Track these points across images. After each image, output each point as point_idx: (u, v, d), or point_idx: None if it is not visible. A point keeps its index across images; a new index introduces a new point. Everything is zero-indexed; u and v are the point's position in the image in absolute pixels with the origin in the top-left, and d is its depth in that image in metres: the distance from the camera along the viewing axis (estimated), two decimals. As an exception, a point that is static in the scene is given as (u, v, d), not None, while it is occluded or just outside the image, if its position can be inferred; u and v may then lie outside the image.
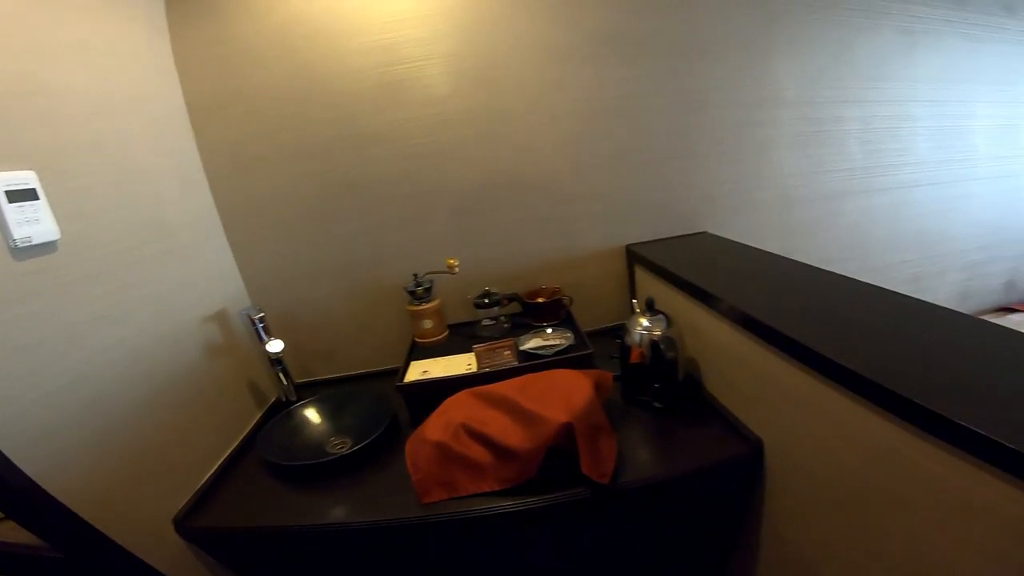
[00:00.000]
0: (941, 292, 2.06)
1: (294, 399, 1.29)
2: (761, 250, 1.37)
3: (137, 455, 0.90)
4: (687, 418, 1.06)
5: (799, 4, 1.59)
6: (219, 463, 1.09)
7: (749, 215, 1.64)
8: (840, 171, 1.73)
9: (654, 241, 1.54)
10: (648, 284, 1.38)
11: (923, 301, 0.85)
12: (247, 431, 1.22)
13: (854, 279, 1.01)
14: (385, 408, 1.14)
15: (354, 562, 0.97)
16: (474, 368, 1.16)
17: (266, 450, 1.06)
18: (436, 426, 0.96)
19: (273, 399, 1.37)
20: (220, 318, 1.22)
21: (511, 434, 0.90)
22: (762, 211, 1.65)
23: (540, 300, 1.42)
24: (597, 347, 1.20)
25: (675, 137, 1.51)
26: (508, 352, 1.18)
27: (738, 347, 0.97)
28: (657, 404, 1.08)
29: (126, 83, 1.06)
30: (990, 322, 0.76)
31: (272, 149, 1.33)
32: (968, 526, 0.56)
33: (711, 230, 1.60)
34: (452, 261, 1.36)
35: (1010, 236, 2.13)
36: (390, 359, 1.46)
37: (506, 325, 1.42)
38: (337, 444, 1.10)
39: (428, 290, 1.39)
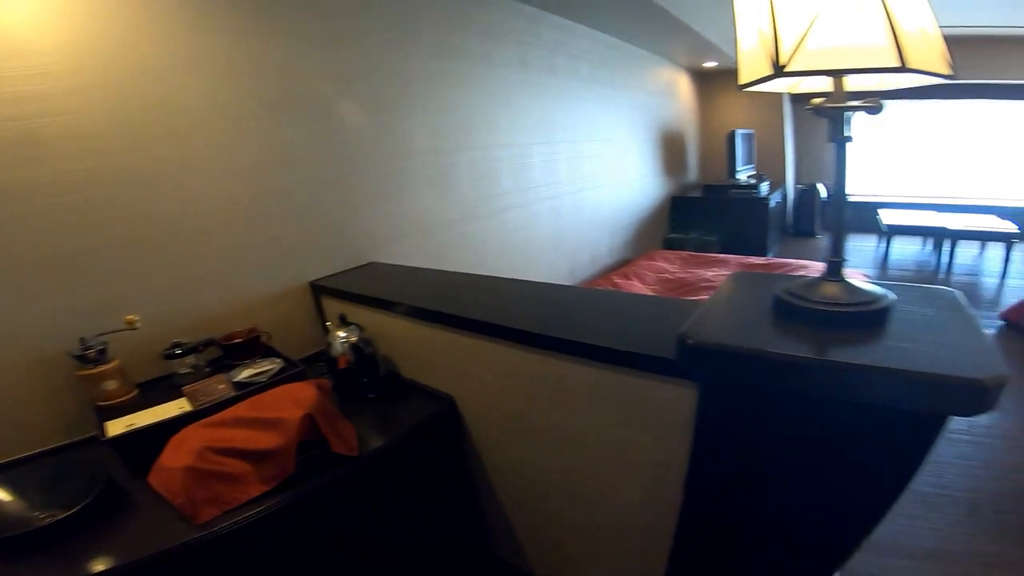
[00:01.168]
0: (534, 281, 3.02)
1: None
2: (418, 268, 1.88)
3: None
4: (396, 399, 1.42)
5: (426, 72, 2.18)
6: None
7: (404, 243, 2.13)
8: (459, 203, 2.40)
9: (333, 275, 1.83)
10: (336, 309, 1.67)
11: (527, 280, 1.51)
12: None
13: (483, 275, 1.60)
14: (92, 469, 1.08)
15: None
16: (189, 408, 1.23)
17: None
18: (176, 456, 1.01)
19: None
20: None
21: (259, 440, 1.04)
22: (413, 239, 2.17)
23: (237, 341, 1.54)
24: (307, 370, 1.43)
25: (340, 185, 1.86)
26: (223, 386, 1.28)
27: (418, 334, 1.41)
28: (371, 395, 1.41)
29: None
30: (574, 286, 1.42)
31: None
32: (574, 398, 1.09)
33: (378, 259, 2.00)
34: (131, 317, 1.35)
35: (562, 239, 3.31)
36: (65, 433, 1.32)
37: (207, 370, 1.48)
38: (44, 518, 1.01)
39: (102, 351, 1.33)
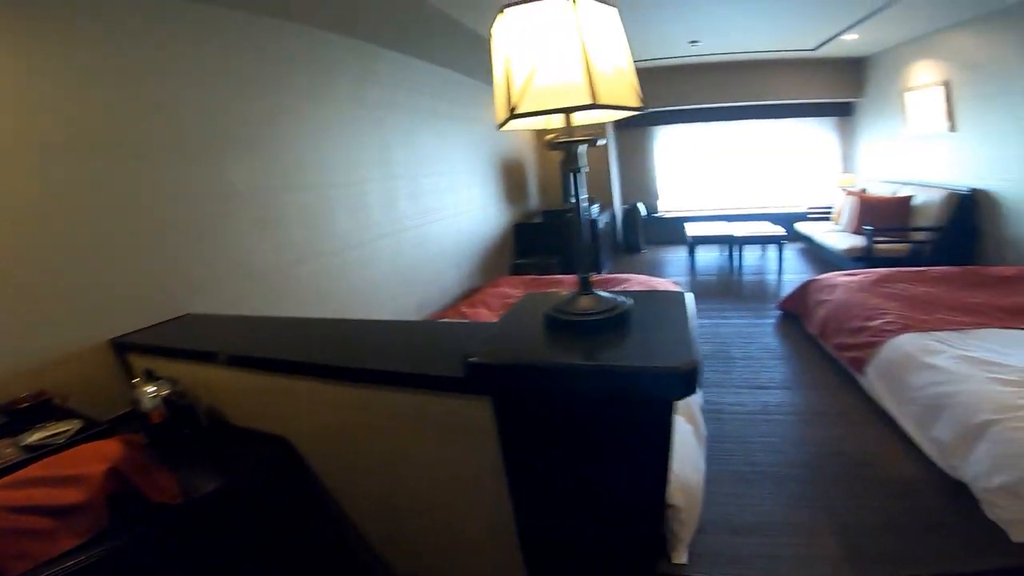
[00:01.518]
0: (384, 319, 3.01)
1: None
2: (240, 315, 1.83)
3: None
4: (224, 447, 1.41)
5: (248, 110, 2.16)
6: None
7: (228, 290, 2.06)
8: (291, 245, 2.37)
9: (142, 329, 1.73)
10: (147, 365, 1.59)
11: (352, 319, 1.53)
12: None
13: (310, 317, 1.60)
14: None
15: None
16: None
17: None
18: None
19: None
20: None
21: (61, 496, 1.01)
22: (238, 285, 2.11)
23: (24, 405, 1.40)
24: (116, 429, 1.36)
25: (143, 233, 1.77)
26: (10, 449, 1.20)
27: (243, 382, 1.42)
28: (196, 446, 1.38)
29: None
30: (396, 320, 1.49)
31: None
32: (400, 425, 1.16)
33: (196, 310, 1.90)
34: None
35: (408, 274, 3.37)
36: None
37: (-13, 438, 1.32)
38: None
39: None
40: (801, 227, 5.93)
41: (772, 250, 5.62)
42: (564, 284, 4.08)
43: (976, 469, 1.75)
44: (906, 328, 2.58)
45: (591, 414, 0.91)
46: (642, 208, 6.81)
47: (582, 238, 1.00)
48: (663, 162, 7.31)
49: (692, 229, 5.76)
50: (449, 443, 1.15)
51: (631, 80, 0.90)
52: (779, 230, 5.30)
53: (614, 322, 0.95)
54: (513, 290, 4.11)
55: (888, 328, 2.64)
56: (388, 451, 1.27)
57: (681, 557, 1.64)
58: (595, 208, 5.60)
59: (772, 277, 5.16)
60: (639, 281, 3.89)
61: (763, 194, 7.14)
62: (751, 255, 5.99)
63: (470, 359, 0.89)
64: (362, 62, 2.94)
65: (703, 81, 6.20)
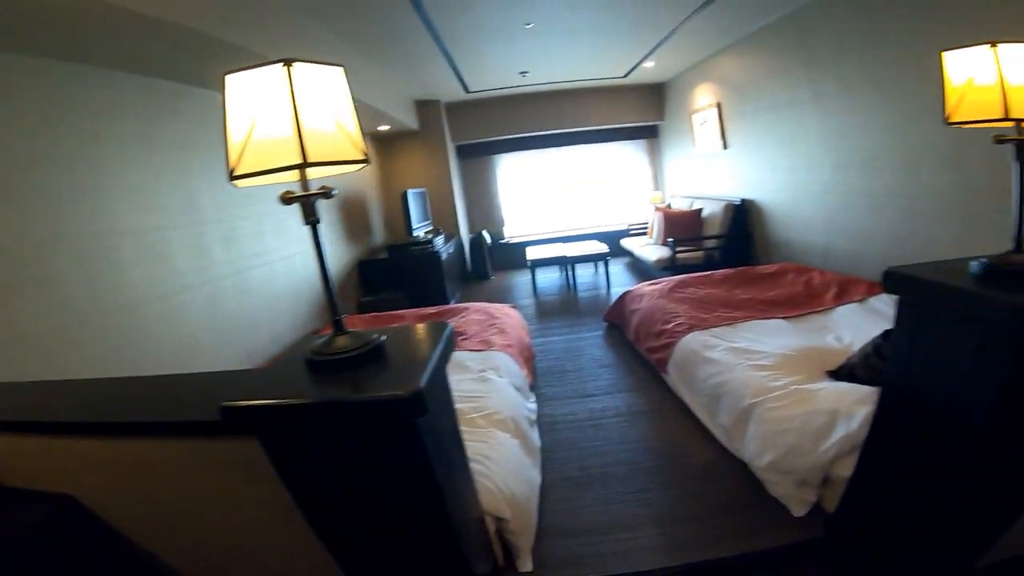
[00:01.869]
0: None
1: None
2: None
3: None
4: None
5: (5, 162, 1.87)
6: None
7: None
8: (62, 303, 2.13)
9: None
10: None
11: (132, 376, 1.46)
12: None
13: (97, 377, 1.52)
14: None
15: None
16: None
17: None
18: None
19: None
20: None
21: None
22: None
23: None
24: None
25: None
26: None
27: (7, 445, 1.28)
28: None
29: None
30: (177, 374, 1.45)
31: None
32: (191, 474, 1.13)
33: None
34: None
35: (230, 325, 3.17)
36: None
37: None
38: None
39: None
40: (625, 243, 6.64)
41: (602, 266, 6.19)
42: (405, 318, 4.11)
43: (750, 450, 2.03)
44: (692, 328, 3.01)
45: (348, 443, 0.97)
46: (488, 236, 7.12)
47: (330, 284, 1.07)
48: (506, 190, 7.75)
49: (532, 253, 6.16)
50: (238, 485, 1.14)
51: (353, 135, 1.00)
52: (603, 248, 5.88)
53: (367, 357, 1.02)
54: (355, 329, 4.03)
55: (679, 329, 3.05)
56: (184, 499, 1.23)
57: (526, 565, 1.73)
58: (439, 239, 5.74)
59: (603, 292, 5.68)
60: (476, 308, 4.06)
61: (593, 215, 7.89)
62: (586, 273, 6.55)
63: (223, 404, 0.91)
64: (156, 100, 2.76)
65: (536, 109, 6.80)
